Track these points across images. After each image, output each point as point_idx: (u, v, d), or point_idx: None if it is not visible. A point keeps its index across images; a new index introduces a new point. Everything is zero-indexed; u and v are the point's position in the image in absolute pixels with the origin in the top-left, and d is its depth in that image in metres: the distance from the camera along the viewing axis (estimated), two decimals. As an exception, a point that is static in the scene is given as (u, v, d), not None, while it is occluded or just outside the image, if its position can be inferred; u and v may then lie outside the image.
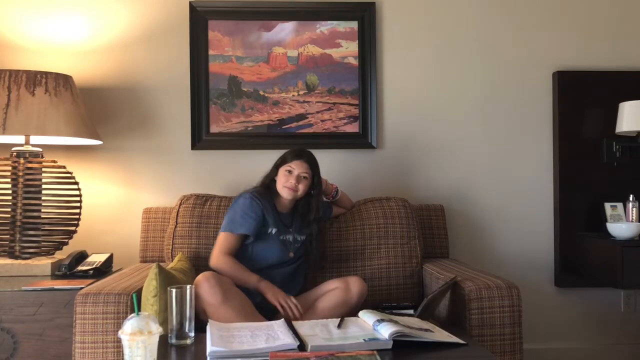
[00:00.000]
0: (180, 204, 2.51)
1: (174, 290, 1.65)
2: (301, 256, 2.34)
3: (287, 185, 2.26)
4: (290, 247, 2.30)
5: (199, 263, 2.38)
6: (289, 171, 2.27)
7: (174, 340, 1.65)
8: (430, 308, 2.00)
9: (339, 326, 1.75)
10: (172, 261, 2.42)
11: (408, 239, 2.50)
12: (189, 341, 1.65)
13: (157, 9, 2.83)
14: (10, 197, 2.45)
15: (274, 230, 2.25)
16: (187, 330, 1.65)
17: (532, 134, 2.92)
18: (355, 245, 2.47)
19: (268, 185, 2.33)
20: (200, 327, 1.77)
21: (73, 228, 2.55)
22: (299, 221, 2.34)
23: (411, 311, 2.05)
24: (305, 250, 2.35)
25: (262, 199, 2.26)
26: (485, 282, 2.01)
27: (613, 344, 2.91)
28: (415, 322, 1.80)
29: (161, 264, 2.47)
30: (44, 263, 2.41)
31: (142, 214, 2.63)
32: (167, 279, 1.91)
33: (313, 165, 2.32)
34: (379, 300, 2.37)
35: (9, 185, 2.45)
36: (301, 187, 2.27)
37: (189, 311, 1.66)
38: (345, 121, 2.85)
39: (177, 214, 2.48)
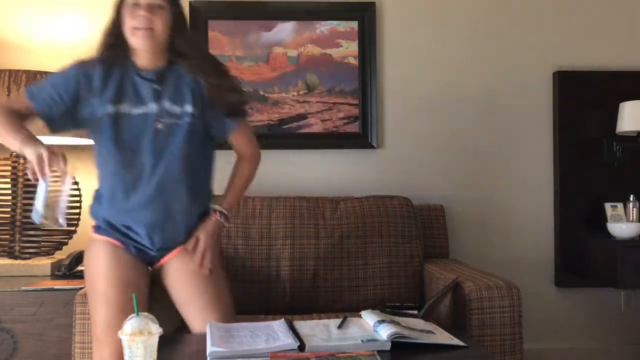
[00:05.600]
0: (178, 204, 2.51)
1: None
2: (184, 134, 1.65)
3: (135, 24, 1.58)
4: (161, 117, 1.66)
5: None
6: (135, 3, 1.58)
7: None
8: (432, 309, 2.00)
9: (340, 326, 1.74)
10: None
11: (410, 238, 2.50)
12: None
13: (157, 9, 2.82)
14: (10, 197, 2.45)
15: (118, 108, 1.63)
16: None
17: (532, 134, 2.92)
18: (357, 242, 2.47)
19: (117, 39, 1.64)
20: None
21: (73, 228, 2.55)
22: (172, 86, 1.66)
23: (415, 312, 2.04)
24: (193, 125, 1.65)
25: (104, 64, 1.63)
26: (485, 282, 2.01)
27: (613, 344, 2.90)
28: (419, 323, 1.80)
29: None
30: (44, 263, 2.41)
31: (142, 214, 2.63)
32: None
33: None
34: (381, 300, 2.37)
35: (9, 186, 2.45)
36: (158, 21, 1.59)
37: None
38: (345, 121, 2.85)
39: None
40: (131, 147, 1.64)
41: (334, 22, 2.85)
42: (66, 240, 2.55)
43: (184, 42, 1.67)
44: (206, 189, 1.79)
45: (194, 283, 1.71)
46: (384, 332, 1.61)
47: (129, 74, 1.65)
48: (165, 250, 1.73)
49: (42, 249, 2.48)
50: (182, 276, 1.72)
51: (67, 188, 1.51)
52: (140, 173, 1.65)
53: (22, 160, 2.43)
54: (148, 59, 1.66)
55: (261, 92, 2.83)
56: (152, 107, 1.65)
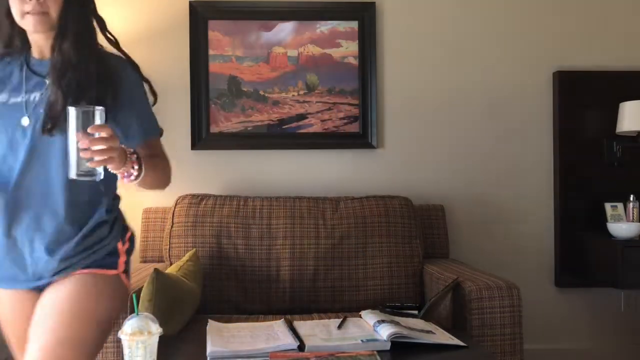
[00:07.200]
0: (176, 204, 2.51)
1: (73, 110, 1.24)
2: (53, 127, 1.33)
3: (26, 9, 1.35)
4: (27, 111, 1.38)
5: (197, 261, 2.38)
6: None
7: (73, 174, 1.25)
8: (433, 309, 2.00)
9: (340, 326, 1.75)
10: (170, 262, 2.42)
11: (410, 238, 2.50)
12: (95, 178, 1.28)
13: (157, 9, 2.82)
14: (10, 197, 2.44)
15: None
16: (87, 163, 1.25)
17: (532, 134, 2.92)
18: (357, 242, 2.47)
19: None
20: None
21: (73, 228, 2.54)
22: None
23: (415, 312, 2.04)
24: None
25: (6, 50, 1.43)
26: (485, 282, 2.01)
27: (613, 344, 2.90)
28: (419, 323, 1.80)
29: (162, 264, 2.49)
30: (43, 263, 2.41)
31: (142, 214, 2.63)
32: (165, 284, 1.91)
33: None
34: (381, 300, 2.37)
35: (9, 185, 2.44)
36: (53, 4, 1.37)
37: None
38: (345, 121, 2.85)
39: (173, 214, 2.48)
40: (6, 139, 1.38)
41: (334, 22, 2.85)
42: (66, 240, 2.54)
43: (77, 30, 1.45)
44: (89, 208, 1.43)
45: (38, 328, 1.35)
46: (384, 332, 1.62)
47: (21, 62, 1.45)
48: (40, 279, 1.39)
49: (42, 249, 2.48)
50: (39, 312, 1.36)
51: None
52: (11, 173, 1.38)
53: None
54: (40, 47, 1.45)
55: (261, 92, 2.83)
56: (29, 97, 1.41)
